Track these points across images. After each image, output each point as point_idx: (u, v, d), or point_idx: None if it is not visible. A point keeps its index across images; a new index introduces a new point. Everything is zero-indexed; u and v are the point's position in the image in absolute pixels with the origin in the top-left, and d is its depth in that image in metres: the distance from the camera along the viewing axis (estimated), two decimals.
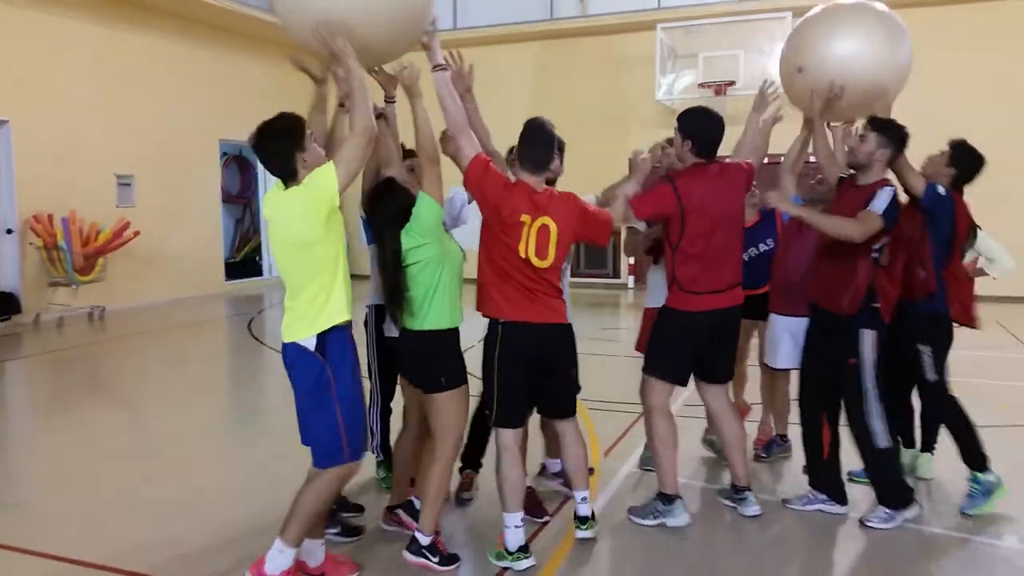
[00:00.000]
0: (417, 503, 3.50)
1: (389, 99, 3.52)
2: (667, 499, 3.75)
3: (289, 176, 2.90)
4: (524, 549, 3.30)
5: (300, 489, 3.01)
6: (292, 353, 2.92)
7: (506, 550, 3.30)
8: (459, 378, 3.28)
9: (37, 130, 10.48)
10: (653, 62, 12.93)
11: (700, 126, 3.71)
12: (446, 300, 3.21)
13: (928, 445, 4.37)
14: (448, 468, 3.29)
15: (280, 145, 2.86)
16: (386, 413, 4.12)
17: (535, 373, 3.38)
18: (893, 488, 3.78)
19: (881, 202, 3.56)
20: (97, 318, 10.75)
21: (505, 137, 3.80)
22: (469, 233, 3.60)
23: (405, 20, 3.17)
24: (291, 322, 2.92)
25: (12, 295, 10.22)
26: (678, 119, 3.73)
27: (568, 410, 3.56)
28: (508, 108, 13.89)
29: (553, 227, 3.26)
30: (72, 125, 10.92)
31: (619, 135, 13.78)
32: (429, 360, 3.23)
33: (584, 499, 3.57)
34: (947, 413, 4.05)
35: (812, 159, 4.17)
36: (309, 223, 2.83)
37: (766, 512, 3.91)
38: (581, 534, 3.56)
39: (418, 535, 3.28)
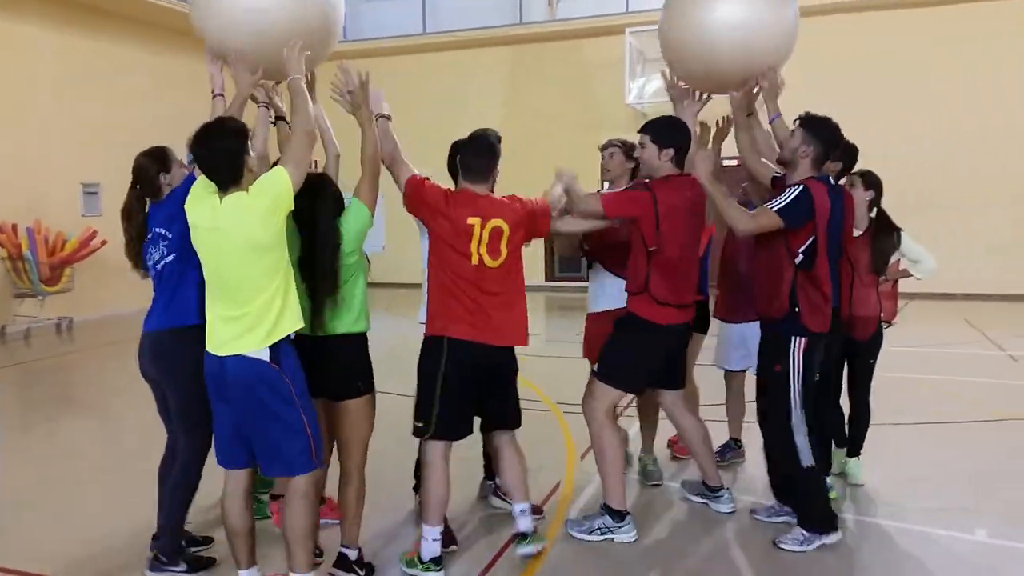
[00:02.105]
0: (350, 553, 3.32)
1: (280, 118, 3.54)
2: (618, 515, 3.68)
3: (235, 180, 2.79)
4: (436, 561, 3.31)
5: (284, 515, 2.94)
6: (243, 367, 2.77)
7: (419, 559, 3.31)
8: (372, 384, 3.28)
9: (0, 139, 10.31)
10: (622, 66, 13.02)
11: (680, 137, 3.72)
12: (363, 304, 3.21)
13: (856, 450, 4.38)
14: (363, 477, 3.27)
15: (232, 144, 2.78)
16: None
17: (479, 388, 3.37)
18: (817, 510, 3.60)
19: (782, 200, 3.44)
20: (65, 329, 10.58)
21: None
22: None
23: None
24: (242, 332, 2.77)
25: None
26: (653, 129, 3.70)
27: (512, 422, 3.53)
28: (478, 113, 13.96)
29: (505, 228, 3.29)
30: (35, 133, 10.74)
31: (589, 139, 13.77)
32: (348, 365, 3.20)
33: (523, 511, 3.46)
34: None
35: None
36: (267, 227, 2.75)
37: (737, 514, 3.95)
38: (522, 550, 3.44)
39: (347, 551, 3.26)
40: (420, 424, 3.33)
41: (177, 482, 3.34)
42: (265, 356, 2.76)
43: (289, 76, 3.04)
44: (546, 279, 14.62)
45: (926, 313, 10.67)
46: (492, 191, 3.52)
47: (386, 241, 13.17)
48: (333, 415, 3.23)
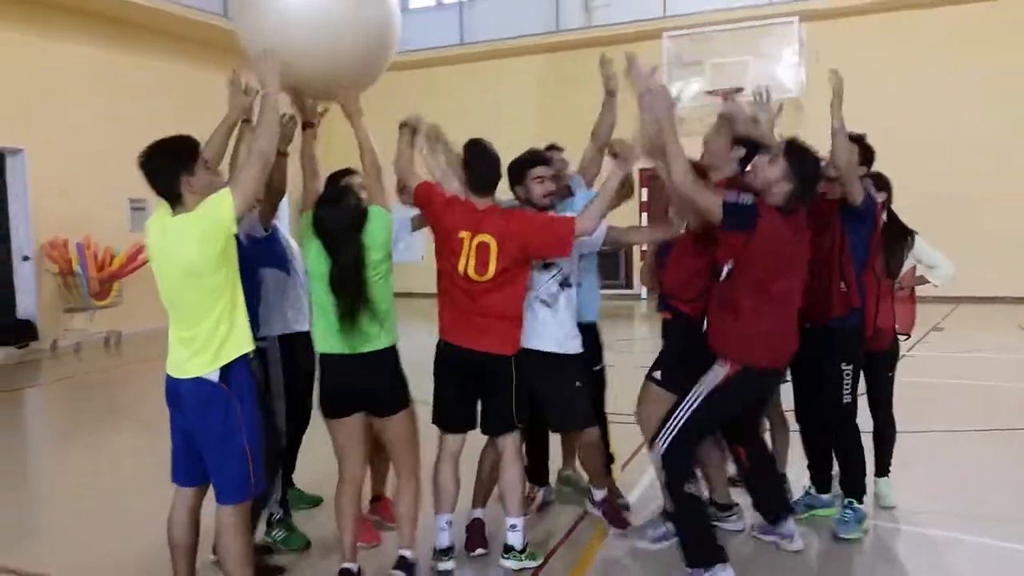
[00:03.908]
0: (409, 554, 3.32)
1: (309, 125, 3.47)
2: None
3: (173, 199, 2.77)
4: (447, 551, 3.40)
5: (219, 544, 2.93)
6: (190, 389, 2.78)
7: (433, 549, 3.40)
8: (409, 395, 3.31)
9: (50, 157, 10.58)
10: (660, 70, 12.93)
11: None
12: (392, 316, 3.20)
13: (884, 469, 4.07)
14: (419, 483, 3.32)
15: (165, 164, 2.75)
16: (291, 461, 3.87)
17: (469, 389, 3.43)
18: (694, 542, 3.25)
19: (736, 197, 3.10)
20: (114, 343, 10.81)
21: (512, 151, 3.76)
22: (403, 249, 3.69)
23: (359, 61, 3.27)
24: (191, 356, 2.77)
25: (29, 322, 10.30)
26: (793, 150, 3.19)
27: (495, 431, 3.50)
28: (515, 122, 14.00)
29: (492, 244, 3.24)
30: (83, 151, 11.01)
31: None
32: (391, 378, 3.20)
33: (513, 527, 3.42)
34: (849, 438, 3.76)
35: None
36: (204, 251, 2.72)
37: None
38: (504, 563, 3.43)
39: (408, 553, 3.27)
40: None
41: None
42: (215, 378, 2.75)
43: (262, 90, 2.93)
44: None
45: (974, 317, 10.38)
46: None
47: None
48: (377, 429, 3.25)
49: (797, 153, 3.14)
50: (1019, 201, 11.91)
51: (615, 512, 3.79)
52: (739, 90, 12.15)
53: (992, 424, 5.53)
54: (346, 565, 3.19)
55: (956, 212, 11.61)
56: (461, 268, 3.28)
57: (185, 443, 2.88)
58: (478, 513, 3.64)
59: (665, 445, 3.18)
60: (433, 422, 3.50)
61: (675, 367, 3.56)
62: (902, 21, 12.50)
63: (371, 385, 3.16)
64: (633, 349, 9.59)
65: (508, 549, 3.42)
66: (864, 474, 3.75)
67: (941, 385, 6.03)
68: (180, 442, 2.90)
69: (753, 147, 3.40)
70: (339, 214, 3.08)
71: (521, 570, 3.41)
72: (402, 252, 3.57)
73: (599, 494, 3.81)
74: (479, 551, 3.54)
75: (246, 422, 2.78)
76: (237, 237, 3.20)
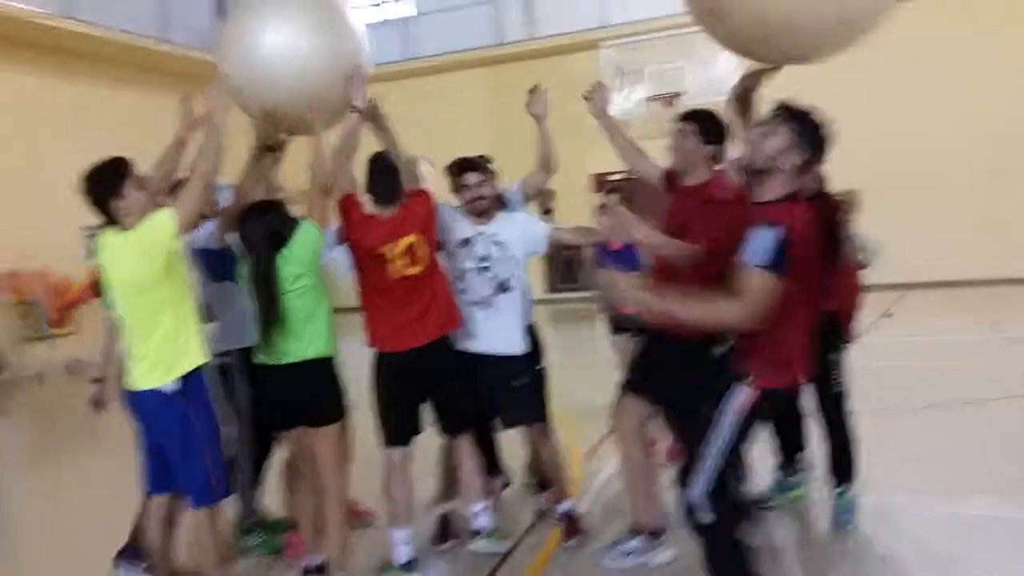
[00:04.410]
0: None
1: (276, 147, 3.52)
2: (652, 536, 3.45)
3: (111, 220, 2.87)
4: (409, 565, 3.36)
5: (192, 548, 3.02)
6: (151, 401, 2.87)
7: (393, 563, 3.38)
8: (342, 408, 3.33)
9: (2, 186, 10.55)
10: (601, 79, 13.30)
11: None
12: (324, 328, 3.22)
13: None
14: (346, 497, 3.35)
15: (94, 189, 2.85)
16: (256, 471, 3.78)
17: (415, 395, 3.47)
18: None
19: (760, 244, 2.47)
20: (75, 370, 10.77)
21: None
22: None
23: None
24: (146, 369, 2.86)
25: None
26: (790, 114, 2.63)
27: (455, 427, 3.58)
28: (462, 135, 14.30)
29: (417, 239, 3.37)
30: (36, 180, 10.98)
31: (576, 152, 14.17)
32: (314, 391, 3.22)
33: (483, 510, 3.56)
34: (846, 426, 3.76)
35: None
36: (145, 267, 2.80)
37: None
38: (487, 547, 3.54)
39: (318, 559, 3.28)
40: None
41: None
42: (170, 389, 2.84)
43: (210, 114, 3.03)
44: (548, 292, 14.88)
45: (923, 303, 10.89)
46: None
47: None
48: (307, 439, 3.29)
49: (794, 115, 2.61)
50: (965, 187, 12.52)
51: (572, 523, 3.76)
52: (678, 95, 12.62)
53: (933, 401, 5.84)
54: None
55: (903, 199, 12.21)
56: (394, 273, 3.36)
57: (152, 453, 3.02)
58: (444, 508, 3.80)
59: (708, 486, 2.64)
60: (384, 443, 3.48)
61: (651, 377, 3.42)
62: None
63: (293, 397, 3.20)
64: (599, 349, 9.93)
65: (475, 533, 3.55)
66: (855, 460, 3.75)
67: (887, 368, 6.38)
68: (147, 452, 3.03)
69: (720, 140, 3.33)
70: (258, 226, 3.14)
71: (490, 553, 3.51)
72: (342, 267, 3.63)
73: (562, 505, 3.81)
74: (447, 544, 3.67)
75: (204, 430, 2.89)
76: (207, 251, 3.34)
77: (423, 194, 3.52)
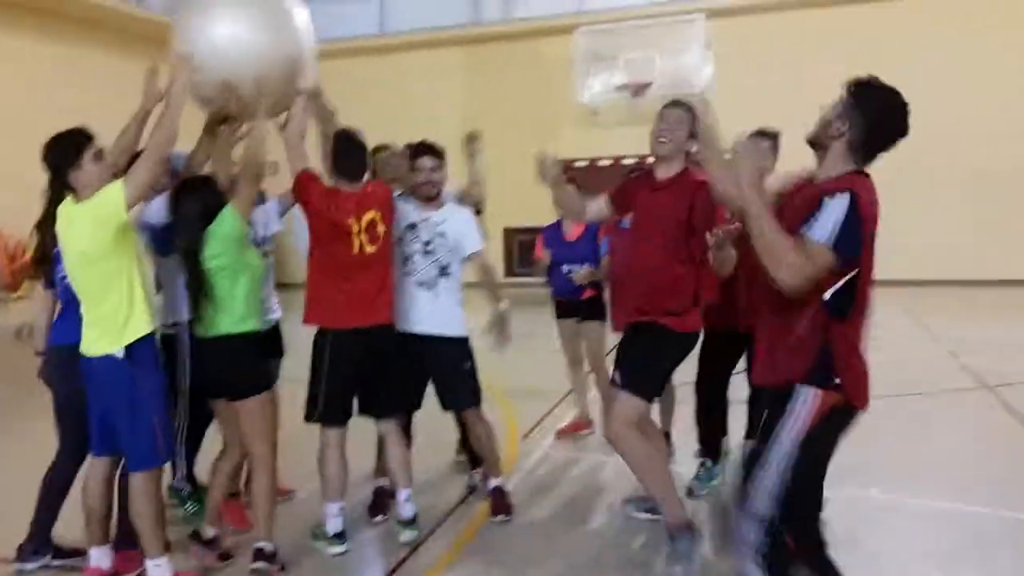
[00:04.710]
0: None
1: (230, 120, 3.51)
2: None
3: (69, 189, 2.94)
4: (340, 536, 3.46)
5: (130, 505, 3.10)
6: (100, 365, 2.96)
7: (323, 532, 3.48)
8: (264, 382, 3.34)
9: None
10: (575, 64, 13.36)
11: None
12: (247, 305, 3.28)
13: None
14: (273, 472, 3.34)
15: (53, 159, 2.94)
16: (194, 440, 3.83)
17: (360, 375, 3.51)
18: None
19: (827, 218, 2.22)
20: (26, 335, 10.61)
21: (435, 139, 3.97)
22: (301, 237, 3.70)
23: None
24: (97, 336, 2.96)
25: None
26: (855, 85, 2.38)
27: (389, 411, 3.63)
28: (436, 111, 14.20)
29: (378, 215, 3.46)
30: None
31: (546, 135, 14.20)
32: (236, 365, 3.28)
33: (407, 499, 3.58)
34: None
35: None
36: (96, 238, 2.87)
37: None
38: (404, 537, 3.55)
39: (264, 545, 3.28)
40: (312, 408, 3.50)
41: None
42: (120, 355, 2.93)
43: (173, 87, 3.07)
44: (506, 275, 14.93)
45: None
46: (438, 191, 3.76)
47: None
48: (233, 413, 3.34)
49: (858, 85, 2.38)
50: (899, 191, 12.78)
51: (501, 500, 3.84)
52: (647, 85, 12.70)
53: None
54: (260, 544, 3.29)
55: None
56: (356, 248, 3.42)
57: (99, 416, 3.08)
58: (382, 482, 3.89)
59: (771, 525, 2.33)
60: (313, 419, 3.51)
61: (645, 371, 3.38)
62: (803, 19, 13.24)
63: (216, 369, 3.28)
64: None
65: (407, 522, 3.57)
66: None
67: None
68: (95, 415, 3.10)
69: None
70: (190, 201, 3.22)
71: (411, 540, 3.55)
72: (299, 242, 3.69)
73: (491, 482, 3.89)
74: (379, 517, 3.77)
75: (151, 395, 2.99)
76: (154, 225, 3.37)
77: (382, 184, 3.63)
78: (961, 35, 12.51)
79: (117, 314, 2.93)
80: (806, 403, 2.32)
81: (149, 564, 3.06)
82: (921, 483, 4.21)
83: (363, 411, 3.62)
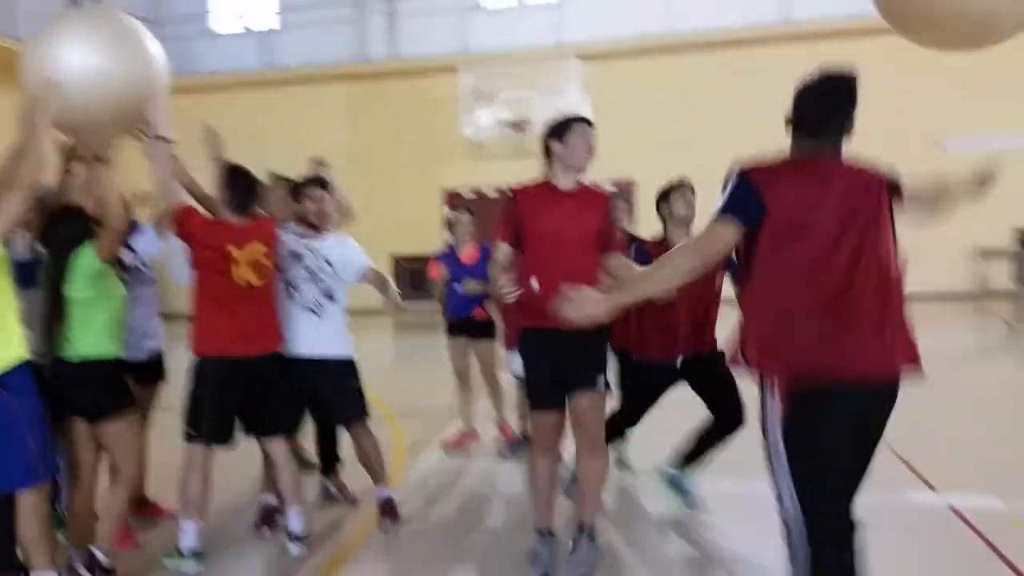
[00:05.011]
0: (98, 553, 3.44)
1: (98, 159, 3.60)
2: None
3: None
4: (196, 554, 3.54)
5: (18, 525, 3.14)
6: None
7: (179, 551, 3.53)
8: (125, 404, 3.42)
9: None
10: (459, 101, 13.89)
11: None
12: (107, 330, 3.37)
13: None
14: (130, 491, 3.47)
15: None
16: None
17: (245, 399, 3.63)
18: None
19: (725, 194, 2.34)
20: None
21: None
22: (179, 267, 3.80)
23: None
24: None
25: None
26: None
27: (273, 430, 3.75)
28: (321, 147, 14.36)
29: (264, 251, 3.62)
30: None
31: (430, 165, 14.75)
32: (96, 388, 3.35)
33: (297, 514, 3.71)
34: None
35: None
36: None
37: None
38: (294, 551, 3.68)
39: (99, 554, 3.39)
40: (191, 431, 3.60)
41: None
42: None
43: (31, 120, 3.09)
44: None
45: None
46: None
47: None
48: (97, 434, 3.44)
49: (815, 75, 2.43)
50: None
51: (390, 508, 4.03)
52: (528, 122, 13.39)
53: None
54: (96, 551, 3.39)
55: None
56: (238, 278, 3.54)
57: None
58: (268, 498, 4.00)
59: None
60: (195, 440, 3.59)
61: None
62: (673, 63, 14.31)
63: (73, 392, 3.34)
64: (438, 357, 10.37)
65: (293, 537, 3.69)
66: None
67: None
68: None
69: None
70: (59, 229, 3.36)
71: (300, 556, 3.67)
72: (178, 276, 3.81)
73: (380, 492, 4.05)
74: (266, 533, 3.89)
75: (27, 419, 3.03)
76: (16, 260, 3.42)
77: (269, 219, 3.79)
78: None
79: None
80: (768, 391, 2.27)
81: None
82: None
83: (249, 431, 3.73)
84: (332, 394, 4.01)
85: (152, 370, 3.90)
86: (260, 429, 3.76)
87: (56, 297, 3.30)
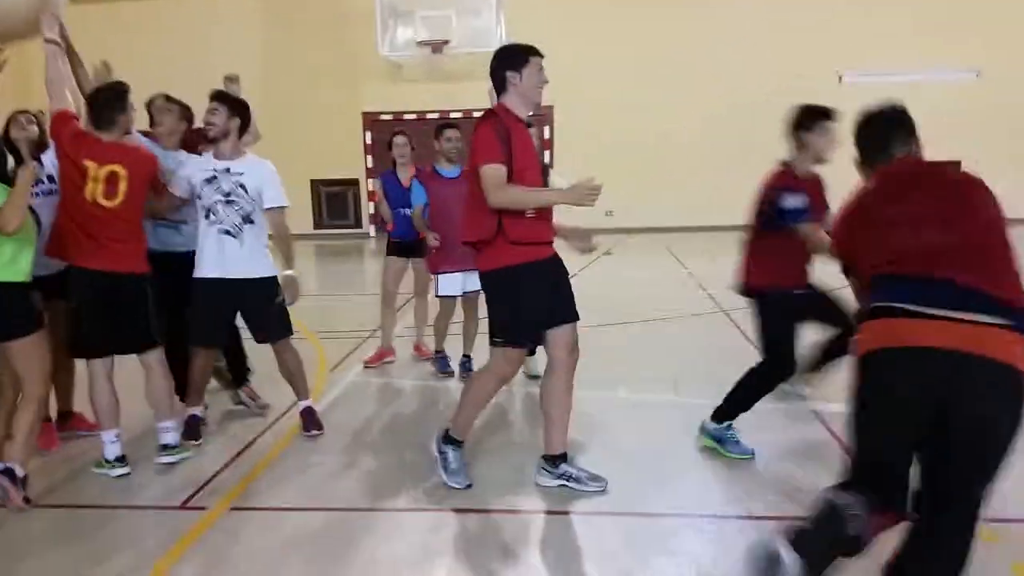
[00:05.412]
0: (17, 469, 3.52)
1: None
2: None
3: None
4: (120, 459, 3.76)
5: None
6: None
7: (105, 460, 3.76)
8: (32, 325, 3.49)
9: None
10: (375, 18, 13.48)
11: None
12: (15, 255, 3.39)
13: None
14: (40, 409, 3.58)
15: None
16: None
17: (109, 311, 3.69)
18: None
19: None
20: None
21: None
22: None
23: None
24: None
25: None
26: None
27: (135, 347, 3.83)
28: (234, 58, 13.89)
29: (123, 172, 3.65)
30: None
31: (348, 87, 14.44)
32: (3, 310, 3.41)
33: (165, 428, 3.87)
34: None
35: None
36: None
37: None
38: (163, 459, 3.86)
39: (15, 467, 3.47)
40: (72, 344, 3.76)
41: None
42: None
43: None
44: (314, 228, 15.09)
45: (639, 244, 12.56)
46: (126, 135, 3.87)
47: None
48: (5, 354, 3.51)
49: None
50: (685, 147, 14.24)
51: (311, 417, 4.33)
52: (446, 42, 13.22)
53: (626, 319, 7.20)
54: (10, 464, 3.48)
55: (635, 157, 13.85)
56: (89, 195, 3.58)
57: None
58: (194, 410, 4.24)
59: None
60: (77, 354, 3.80)
61: None
62: None
63: None
64: (364, 281, 10.45)
65: (164, 447, 3.88)
66: None
67: (597, 295, 7.52)
68: None
69: None
70: None
71: (178, 461, 3.88)
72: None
73: (302, 404, 4.35)
74: (192, 443, 4.09)
75: None
76: None
77: (152, 156, 3.89)
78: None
79: None
80: None
81: None
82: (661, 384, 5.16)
83: (120, 350, 3.82)
84: (256, 313, 4.19)
85: (59, 284, 3.90)
86: (130, 347, 3.85)
87: None
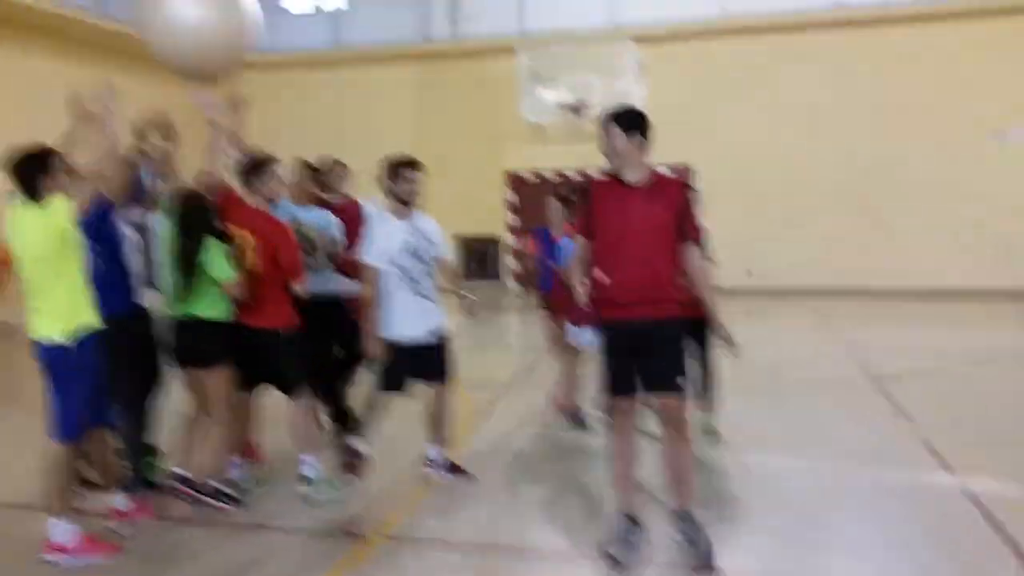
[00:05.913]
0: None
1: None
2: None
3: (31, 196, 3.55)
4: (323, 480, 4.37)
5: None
6: (46, 350, 3.57)
7: (306, 479, 4.40)
8: (224, 356, 4.21)
9: None
10: (518, 83, 14.11)
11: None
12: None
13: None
14: (224, 429, 4.26)
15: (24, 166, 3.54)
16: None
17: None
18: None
19: None
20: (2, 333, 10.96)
21: (384, 150, 4.83)
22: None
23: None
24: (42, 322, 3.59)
25: None
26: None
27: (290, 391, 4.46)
28: (388, 124, 15.05)
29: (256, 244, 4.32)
30: None
31: (493, 149, 15.19)
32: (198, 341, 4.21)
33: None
34: None
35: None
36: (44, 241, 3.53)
37: None
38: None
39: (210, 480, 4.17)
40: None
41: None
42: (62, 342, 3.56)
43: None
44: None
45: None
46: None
47: None
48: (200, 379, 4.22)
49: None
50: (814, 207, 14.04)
51: (454, 467, 4.71)
52: (586, 105, 13.63)
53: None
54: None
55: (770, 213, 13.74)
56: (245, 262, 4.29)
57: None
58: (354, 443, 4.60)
59: None
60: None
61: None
62: (729, 46, 14.46)
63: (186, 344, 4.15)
64: None
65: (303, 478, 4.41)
66: None
67: None
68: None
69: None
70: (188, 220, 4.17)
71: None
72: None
73: (439, 453, 4.74)
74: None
75: (82, 376, 3.64)
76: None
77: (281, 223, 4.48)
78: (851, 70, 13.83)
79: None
80: None
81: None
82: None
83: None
84: (427, 365, 4.57)
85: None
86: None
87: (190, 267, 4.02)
